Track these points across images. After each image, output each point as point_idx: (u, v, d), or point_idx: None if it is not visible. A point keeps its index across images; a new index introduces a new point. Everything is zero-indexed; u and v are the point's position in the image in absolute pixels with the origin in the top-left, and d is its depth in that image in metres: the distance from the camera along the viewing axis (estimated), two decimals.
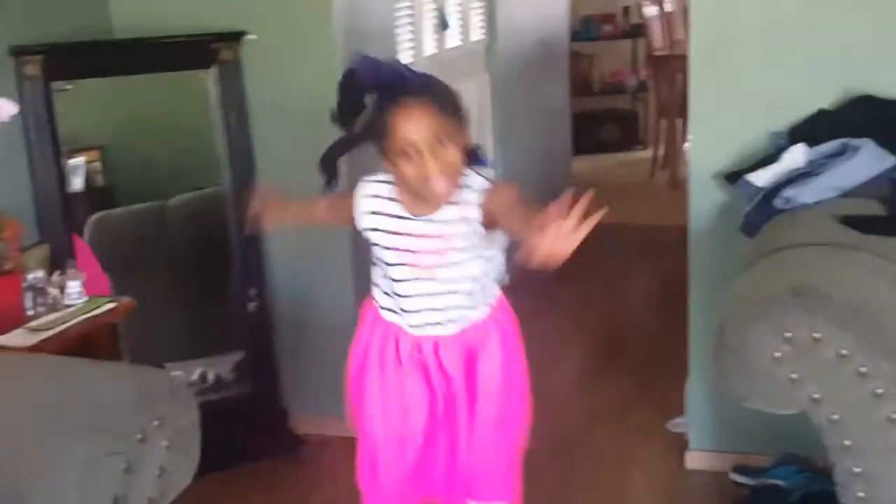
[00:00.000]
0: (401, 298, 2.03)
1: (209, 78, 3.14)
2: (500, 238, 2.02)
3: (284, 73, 3.17)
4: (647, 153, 7.35)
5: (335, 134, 3.12)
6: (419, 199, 1.95)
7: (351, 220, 2.07)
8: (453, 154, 1.88)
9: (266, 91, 3.18)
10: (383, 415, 2.12)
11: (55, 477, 1.59)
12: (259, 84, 3.18)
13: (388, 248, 2.01)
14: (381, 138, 1.92)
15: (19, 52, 2.82)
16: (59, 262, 2.72)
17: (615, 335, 4.16)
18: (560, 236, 1.60)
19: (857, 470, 1.89)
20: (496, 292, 2.11)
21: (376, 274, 2.10)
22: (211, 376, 3.38)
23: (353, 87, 1.98)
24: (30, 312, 2.43)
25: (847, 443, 1.88)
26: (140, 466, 1.67)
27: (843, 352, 1.84)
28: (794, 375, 1.89)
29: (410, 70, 1.99)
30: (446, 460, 2.13)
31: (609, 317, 4.36)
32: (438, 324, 2.04)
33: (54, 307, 2.47)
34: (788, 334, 1.87)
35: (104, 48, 3.13)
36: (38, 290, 2.45)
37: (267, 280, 3.30)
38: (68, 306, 2.48)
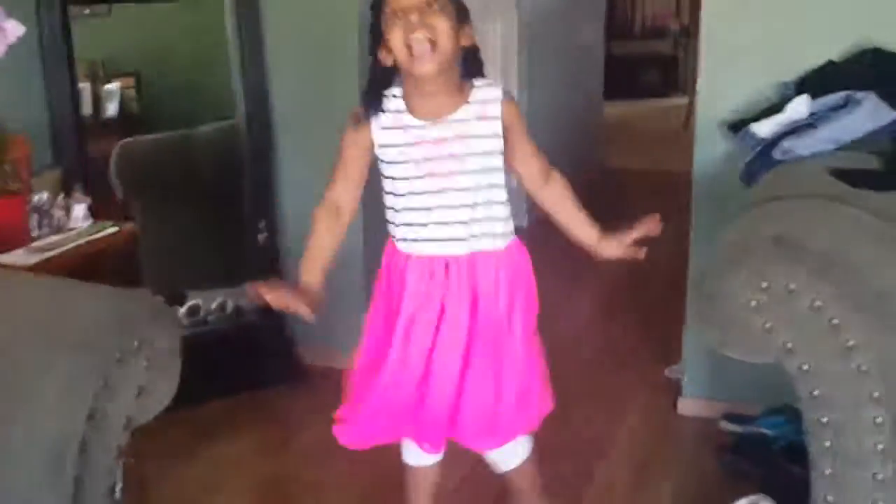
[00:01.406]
0: (420, 213, 1.99)
1: (225, 5, 3.15)
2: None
3: (303, 5, 3.18)
4: (685, 100, 7.27)
5: (349, 71, 3.16)
6: (419, 91, 1.92)
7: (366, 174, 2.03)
8: (443, 27, 1.84)
9: (284, 21, 3.18)
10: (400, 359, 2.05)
11: (34, 389, 1.65)
12: (276, 15, 3.18)
13: (406, 163, 1.96)
14: (378, 16, 1.89)
15: None
16: (70, 185, 2.78)
17: (629, 279, 4.17)
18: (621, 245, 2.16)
19: (825, 420, 1.90)
20: (511, 227, 2.06)
21: (394, 206, 2.03)
22: (230, 305, 3.44)
23: None
24: (34, 233, 2.49)
25: (816, 393, 1.89)
26: (118, 385, 1.72)
27: (818, 303, 1.84)
28: (768, 325, 1.89)
29: None
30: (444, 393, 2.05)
31: (626, 263, 4.36)
32: (457, 239, 1.98)
33: (59, 229, 2.53)
34: (764, 284, 1.87)
35: None
36: (44, 212, 2.51)
37: (277, 213, 3.34)
38: (73, 229, 2.54)
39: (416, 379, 2.05)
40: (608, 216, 5.11)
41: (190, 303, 3.37)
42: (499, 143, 1.97)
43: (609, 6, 6.36)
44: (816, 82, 2.60)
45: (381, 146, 1.97)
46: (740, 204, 2.33)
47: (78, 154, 2.96)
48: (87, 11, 3.07)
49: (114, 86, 3.36)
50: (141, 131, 3.41)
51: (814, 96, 2.53)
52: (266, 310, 3.34)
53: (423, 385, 2.05)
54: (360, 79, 3.15)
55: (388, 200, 2.04)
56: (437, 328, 2.03)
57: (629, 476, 2.75)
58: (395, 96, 1.97)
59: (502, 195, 2.02)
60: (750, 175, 2.49)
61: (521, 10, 4.57)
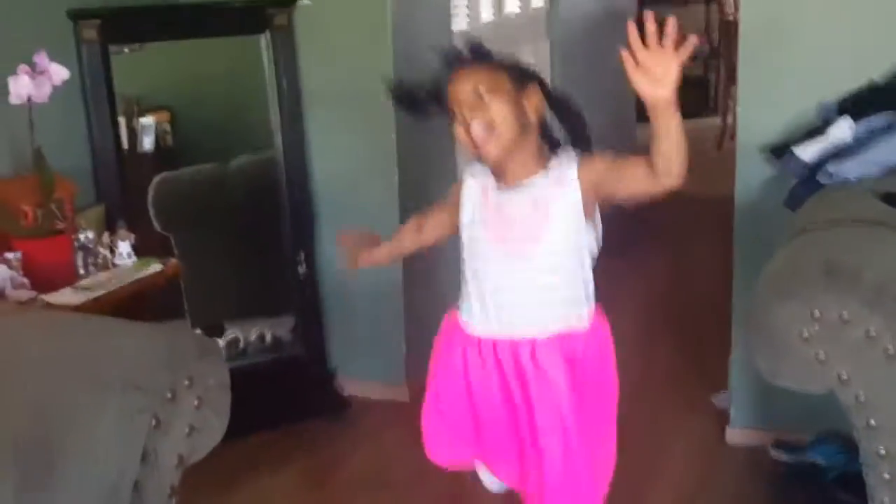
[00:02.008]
0: (496, 294, 1.96)
1: (263, 44, 3.19)
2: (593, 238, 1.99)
3: (336, 40, 3.20)
4: (718, 120, 7.22)
5: (385, 101, 3.17)
6: (502, 174, 1.94)
7: (454, 227, 2.05)
8: (497, 109, 1.85)
9: (318, 58, 3.21)
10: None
11: (87, 430, 1.66)
12: (311, 50, 3.21)
13: (484, 233, 1.96)
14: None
15: (78, 16, 2.88)
16: (114, 221, 2.78)
17: (673, 306, 4.15)
18: (659, 58, 1.67)
19: (883, 451, 1.88)
20: (593, 300, 2.02)
21: (469, 280, 2.01)
22: (269, 337, 3.45)
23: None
24: (81, 272, 2.50)
25: (873, 423, 1.87)
26: (170, 423, 1.72)
27: (872, 332, 1.83)
28: (821, 355, 1.88)
29: (472, 44, 1.97)
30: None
31: (668, 288, 4.35)
32: (536, 323, 1.96)
33: (105, 267, 2.54)
34: (817, 314, 1.86)
35: (161, 12, 3.18)
36: (89, 250, 2.52)
37: (316, 245, 3.35)
38: (118, 266, 2.56)
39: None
40: (648, 241, 5.08)
41: (229, 335, 3.38)
42: (576, 212, 1.91)
43: (639, 29, 6.35)
44: (858, 104, 2.58)
45: (466, 222, 2.01)
46: (785, 229, 2.32)
47: (121, 191, 2.98)
48: (125, 50, 3.10)
49: (149, 120, 3.39)
50: (176, 164, 3.43)
51: (856, 118, 2.51)
52: (305, 341, 3.41)
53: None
54: (396, 111, 3.18)
55: (466, 274, 2.03)
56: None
57: None
58: (480, 166, 1.99)
59: (573, 270, 1.96)
60: (794, 200, 2.47)
61: (552, 32, 4.57)
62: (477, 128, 1.86)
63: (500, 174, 1.95)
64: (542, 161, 1.94)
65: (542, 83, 1.95)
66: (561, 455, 1.96)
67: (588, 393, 2.00)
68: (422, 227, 2.19)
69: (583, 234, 1.94)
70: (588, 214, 1.93)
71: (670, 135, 1.74)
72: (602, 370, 2.04)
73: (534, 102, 1.91)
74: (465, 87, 1.87)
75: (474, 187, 1.99)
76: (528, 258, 1.93)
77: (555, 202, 1.91)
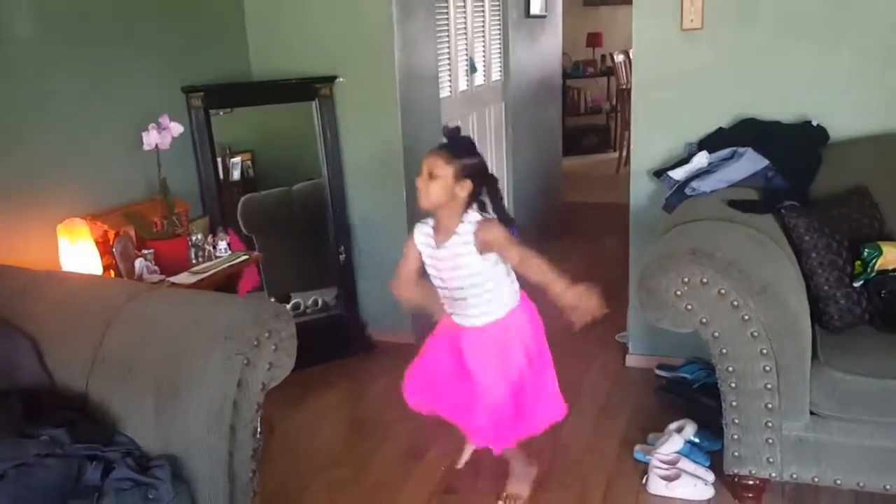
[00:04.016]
0: (448, 300, 2.02)
1: (313, 107, 3.18)
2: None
3: (362, 103, 3.18)
4: (615, 155, 7.23)
5: (396, 144, 3.16)
6: (438, 230, 1.96)
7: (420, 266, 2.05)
8: (437, 189, 1.88)
9: (350, 116, 3.19)
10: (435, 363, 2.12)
11: (201, 367, 1.65)
12: (345, 112, 3.19)
13: (432, 272, 2.00)
14: None
15: (188, 91, 2.87)
16: (215, 228, 2.79)
17: (588, 276, 4.12)
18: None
19: (730, 369, 1.89)
20: (514, 298, 2.04)
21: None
22: (321, 302, 3.43)
23: None
24: (193, 261, 2.49)
25: (724, 351, 1.89)
26: (256, 362, 1.71)
27: (722, 291, 1.84)
28: (689, 307, 1.89)
29: (459, 138, 1.95)
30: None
31: (583, 263, 4.32)
32: (467, 317, 2.01)
33: (209, 258, 2.53)
34: (686, 279, 1.87)
35: (244, 87, 3.16)
36: (199, 247, 2.50)
37: (351, 240, 3.33)
38: (218, 257, 2.54)
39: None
40: (568, 234, 5.03)
41: (293, 301, 3.36)
42: (478, 259, 1.93)
43: (563, 94, 6.33)
44: (712, 142, 2.58)
45: (421, 255, 2.01)
46: (663, 225, 2.33)
47: (219, 207, 2.96)
48: (220, 113, 3.07)
49: (237, 159, 3.36)
50: (256, 189, 3.40)
51: (710, 151, 2.51)
52: (345, 305, 3.39)
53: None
54: (405, 152, 3.17)
55: None
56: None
57: (595, 410, 2.73)
58: (426, 225, 2.00)
59: (491, 288, 1.98)
60: (669, 206, 2.47)
61: (506, 98, 4.56)
62: (421, 193, 1.89)
63: (437, 229, 1.96)
64: (458, 224, 1.94)
65: (477, 177, 1.92)
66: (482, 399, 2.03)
67: (530, 347, 2.03)
68: (410, 277, 2.05)
69: (490, 266, 1.95)
70: (494, 254, 1.94)
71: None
72: (535, 333, 2.06)
73: (464, 189, 1.91)
74: (428, 163, 1.89)
75: (421, 240, 1.99)
76: (457, 287, 1.97)
77: (463, 256, 1.93)
